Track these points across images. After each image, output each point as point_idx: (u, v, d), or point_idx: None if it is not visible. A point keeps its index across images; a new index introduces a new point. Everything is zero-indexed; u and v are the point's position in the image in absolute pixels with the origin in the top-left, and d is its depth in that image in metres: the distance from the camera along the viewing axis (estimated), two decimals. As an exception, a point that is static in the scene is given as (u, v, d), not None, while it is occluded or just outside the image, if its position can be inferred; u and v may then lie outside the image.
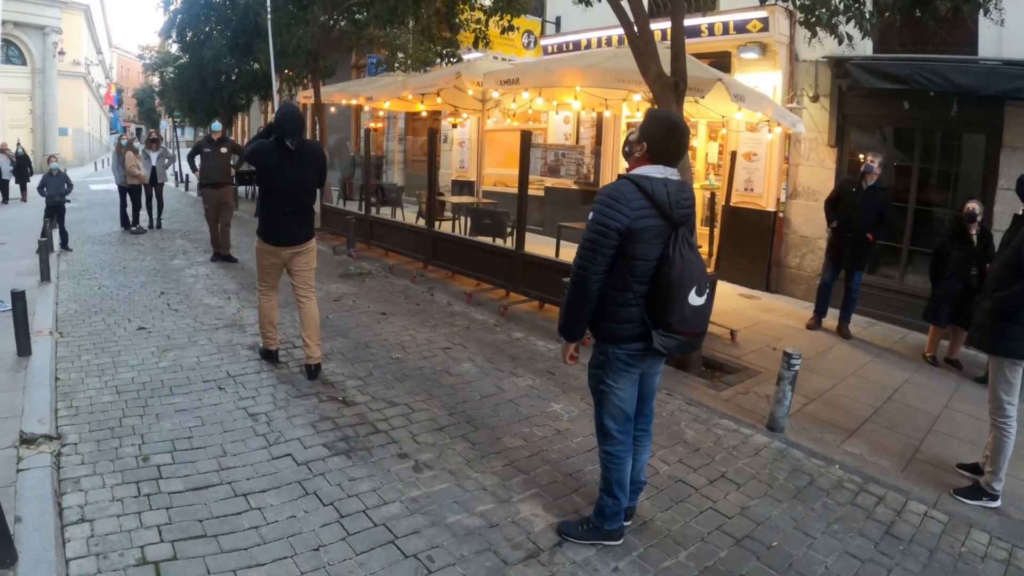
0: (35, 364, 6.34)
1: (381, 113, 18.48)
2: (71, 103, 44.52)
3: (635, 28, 6.95)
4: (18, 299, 6.51)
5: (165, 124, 35.62)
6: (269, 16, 13.50)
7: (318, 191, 6.72)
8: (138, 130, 37.14)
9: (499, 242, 9.85)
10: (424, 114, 16.74)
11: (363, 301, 8.88)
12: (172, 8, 20.22)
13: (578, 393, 5.97)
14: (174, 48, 23.80)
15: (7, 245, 12.58)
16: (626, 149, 3.75)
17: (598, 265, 3.41)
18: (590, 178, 13.92)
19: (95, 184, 27.95)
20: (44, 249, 9.75)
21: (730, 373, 7.01)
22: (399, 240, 11.37)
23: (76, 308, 8.47)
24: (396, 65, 15.98)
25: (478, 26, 12.71)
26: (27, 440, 4.80)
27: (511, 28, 12.11)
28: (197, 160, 12.08)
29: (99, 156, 52.25)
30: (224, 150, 11.51)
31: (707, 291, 3.51)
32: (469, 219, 10.93)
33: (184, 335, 7.36)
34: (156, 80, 31.99)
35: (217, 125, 11.60)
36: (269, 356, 6.57)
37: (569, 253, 9.40)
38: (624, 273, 3.45)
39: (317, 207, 11.19)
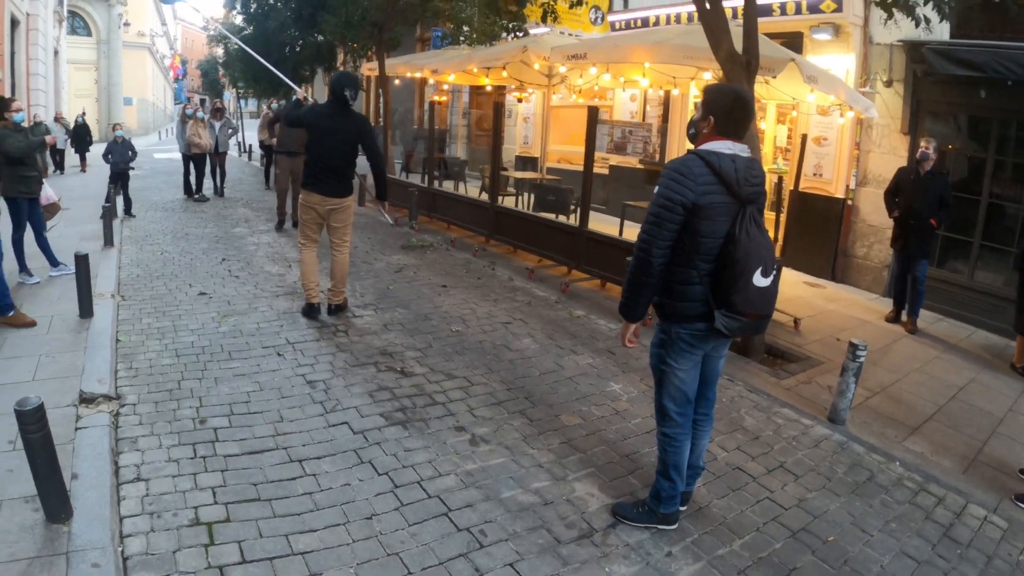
0: (97, 326, 6.51)
1: (445, 87, 18.48)
2: (135, 73, 45.32)
3: (707, 4, 6.82)
4: (81, 262, 6.69)
5: (228, 95, 36.02)
6: None
7: (378, 162, 7.00)
8: (202, 100, 37.71)
9: (562, 219, 9.80)
10: (489, 88, 16.69)
11: (424, 273, 8.92)
12: None
13: (638, 374, 5.91)
14: (238, 20, 23.96)
15: (71, 210, 12.83)
16: (691, 131, 3.63)
17: (662, 240, 3.34)
18: (656, 157, 13.72)
19: (159, 153, 28.53)
20: (108, 215, 10.00)
21: (792, 362, 6.88)
22: (461, 214, 11.38)
23: (138, 272, 8.66)
24: (461, 39, 15.92)
25: (546, 0, 12.62)
26: (86, 399, 4.93)
27: (580, 3, 11.98)
28: (275, 127, 12.16)
29: (163, 126, 53.25)
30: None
31: (773, 272, 3.42)
32: (532, 195, 10.89)
33: (244, 301, 7.50)
34: (220, 52, 32.30)
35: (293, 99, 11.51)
36: (309, 310, 6.91)
37: (633, 232, 9.30)
38: (689, 250, 3.38)
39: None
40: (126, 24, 41.55)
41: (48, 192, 8.41)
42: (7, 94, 17.76)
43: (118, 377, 5.45)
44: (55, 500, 3.45)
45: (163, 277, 8.46)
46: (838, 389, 5.43)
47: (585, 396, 5.47)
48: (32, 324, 6.47)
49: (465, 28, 15.34)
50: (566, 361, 6.15)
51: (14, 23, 19.22)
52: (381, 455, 4.36)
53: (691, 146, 3.60)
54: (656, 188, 3.40)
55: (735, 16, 7.97)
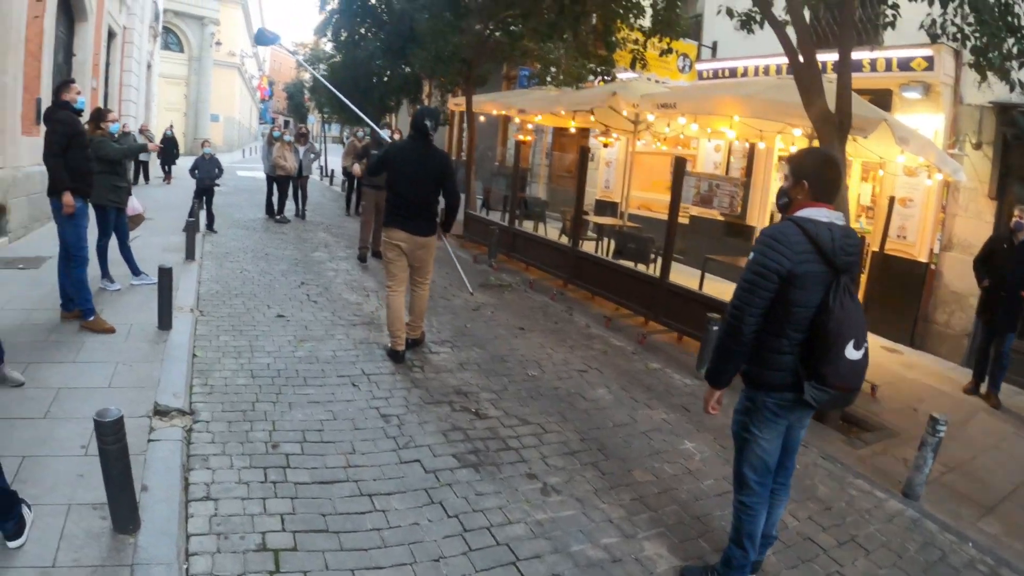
0: (174, 339, 6.66)
1: (530, 126, 18.69)
2: (224, 92, 46.67)
3: (800, 58, 6.82)
4: (165, 275, 6.87)
5: (313, 119, 36.86)
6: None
7: (460, 197, 7.27)
8: (286, 122, 38.63)
9: (641, 268, 9.80)
10: (573, 130, 16.88)
11: (502, 314, 8.99)
12: (329, 8, 20.98)
13: (711, 433, 5.84)
14: (328, 47, 24.59)
15: (154, 220, 13.15)
16: (781, 200, 3.61)
17: (755, 308, 3.33)
18: (738, 210, 13.72)
19: (242, 171, 29.47)
20: (191, 229, 10.27)
21: (868, 430, 6.74)
22: (541, 255, 11.45)
23: (217, 289, 8.91)
24: (548, 79, 16.14)
25: (636, 47, 12.72)
26: (160, 412, 5.03)
27: (669, 51, 12.08)
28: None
29: (247, 144, 54.83)
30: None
31: (865, 345, 3.37)
32: (613, 241, 10.94)
33: (321, 327, 7.65)
34: (307, 76, 33.11)
35: (386, 133, 11.60)
36: (395, 356, 6.80)
37: (713, 287, 9.44)
38: (780, 319, 3.36)
39: (461, 214, 11.42)
40: (218, 43, 42.82)
41: (134, 203, 8.67)
42: (100, 104, 18.39)
43: (193, 392, 5.59)
44: (124, 511, 3.50)
45: (242, 295, 8.69)
46: (915, 463, 5.29)
47: (658, 452, 5.43)
48: (111, 331, 6.68)
49: (552, 69, 15.56)
50: (640, 415, 6.12)
51: (111, 35, 19.68)
52: (452, 497, 4.38)
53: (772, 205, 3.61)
54: (751, 254, 3.39)
55: (824, 70, 7.96)
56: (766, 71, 13.01)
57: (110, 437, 3.33)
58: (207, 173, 13.34)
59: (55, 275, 7.08)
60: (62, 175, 6.57)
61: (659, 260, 9.58)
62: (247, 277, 9.72)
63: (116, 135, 8.21)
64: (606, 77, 14.18)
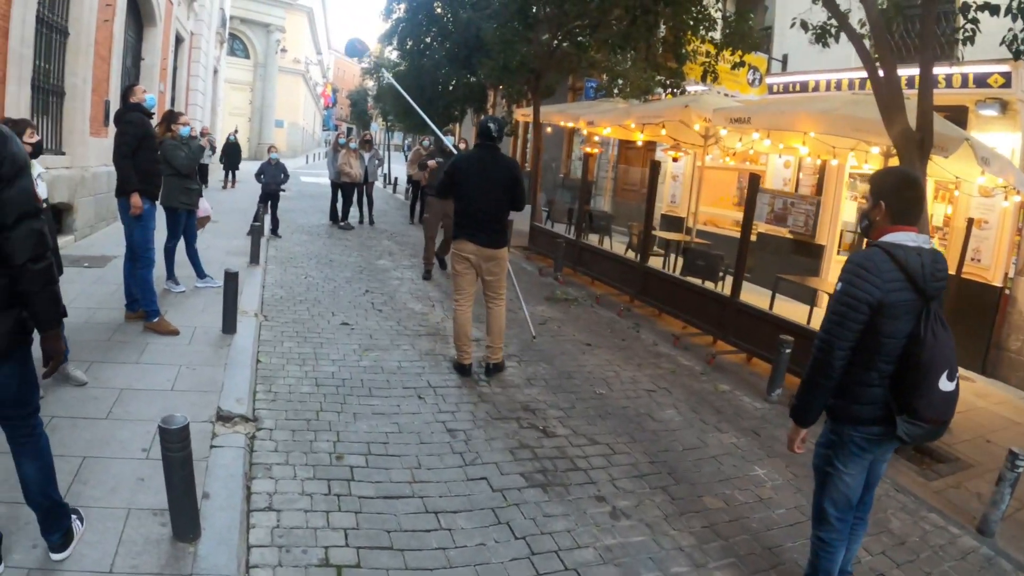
0: (239, 343, 6.73)
1: (596, 139, 18.59)
2: (288, 98, 47.83)
3: (880, 73, 6.64)
4: (231, 279, 6.94)
5: (376, 126, 37.27)
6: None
7: (526, 207, 7.13)
8: (349, 129, 39.13)
9: (709, 285, 9.66)
10: (640, 144, 16.72)
11: (568, 328, 8.93)
12: (394, 17, 21.14)
13: (783, 459, 5.67)
14: (394, 55, 24.80)
15: (219, 223, 13.30)
16: (863, 223, 3.48)
17: (844, 340, 3.20)
18: (811, 230, 13.45)
19: (306, 176, 29.99)
20: (256, 233, 10.41)
21: (941, 461, 6.46)
22: (607, 270, 11.35)
23: (282, 294, 9.02)
24: (615, 91, 16.04)
25: (707, 60, 12.56)
26: (223, 417, 5.05)
27: (741, 64, 11.91)
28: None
29: (311, 150, 55.86)
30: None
31: (957, 375, 3.23)
32: (680, 257, 10.79)
33: (387, 337, 7.70)
34: (371, 84, 33.43)
35: (450, 139, 11.55)
36: (462, 370, 6.76)
37: (783, 307, 9.26)
38: (870, 350, 3.23)
39: (526, 225, 11.35)
40: (283, 50, 43.76)
41: (204, 205, 8.79)
42: (167, 107, 18.75)
43: (256, 399, 5.63)
44: (185, 519, 3.49)
45: (306, 302, 8.79)
46: (991, 499, 5.05)
47: (728, 478, 5.30)
48: (175, 333, 6.79)
49: (619, 81, 15.47)
50: (710, 438, 6.00)
51: (178, 40, 20.20)
52: (519, 517, 4.32)
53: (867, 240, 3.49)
54: (838, 285, 3.27)
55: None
56: (838, 86, 12.74)
57: (175, 444, 3.32)
58: (272, 178, 13.56)
59: (120, 274, 7.26)
60: (131, 176, 6.72)
61: (727, 278, 9.46)
62: (311, 283, 9.84)
63: (186, 138, 8.29)
64: (675, 90, 14.06)
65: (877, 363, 3.26)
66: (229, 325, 7.02)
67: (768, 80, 14.77)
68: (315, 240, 13.69)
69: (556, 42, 15.13)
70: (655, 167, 9.97)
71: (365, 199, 16.91)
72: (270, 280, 9.81)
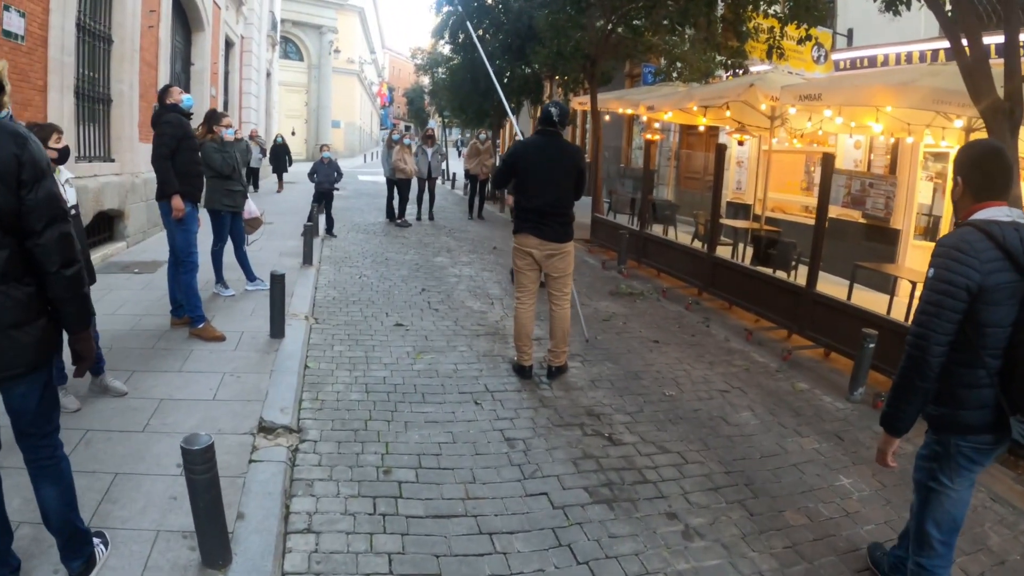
0: (286, 348, 6.53)
1: (657, 125, 18.06)
2: (344, 98, 48.64)
3: (963, 41, 6.11)
4: (277, 282, 6.73)
5: (433, 123, 37.24)
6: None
7: (584, 198, 6.64)
8: (407, 127, 39.18)
9: (780, 275, 9.14)
10: (702, 129, 16.14)
11: (634, 324, 8.51)
12: (445, 10, 20.83)
13: (869, 467, 5.18)
14: (446, 49, 24.54)
15: (274, 224, 13.36)
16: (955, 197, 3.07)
17: (942, 334, 2.80)
18: (881, 212, 12.68)
19: (363, 175, 30.12)
20: (309, 233, 10.25)
21: (1041, 463, 5.97)
22: (673, 261, 10.86)
23: (334, 295, 8.83)
24: (674, 75, 15.49)
25: (770, 36, 11.99)
26: (266, 428, 4.83)
27: (807, 38, 11.34)
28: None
29: (368, 149, 56.52)
30: None
31: None
32: (750, 246, 10.25)
33: (443, 338, 7.41)
34: (426, 80, 33.32)
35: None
36: (521, 372, 6.42)
37: (862, 297, 8.70)
38: (973, 345, 2.82)
39: (587, 218, 10.92)
40: (336, 51, 44.57)
41: (251, 207, 8.69)
42: (220, 110, 18.78)
43: (302, 408, 5.41)
44: (214, 544, 3.28)
45: (359, 303, 8.58)
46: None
47: (811, 489, 4.83)
48: (221, 339, 6.63)
49: (678, 65, 14.93)
50: (790, 443, 5.53)
51: (228, 45, 20.49)
52: (582, 539, 3.95)
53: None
54: (929, 271, 2.87)
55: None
56: (909, 58, 12.05)
57: (199, 466, 3.07)
58: (326, 177, 13.44)
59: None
60: (171, 179, 6.58)
61: (799, 267, 8.97)
62: (365, 283, 9.64)
63: (228, 140, 8.18)
64: (737, 70, 13.50)
65: (983, 358, 2.84)
66: (277, 329, 6.86)
67: (834, 56, 14.12)
68: (371, 239, 13.52)
69: (611, 26, 14.63)
70: (721, 151, 9.44)
71: (427, 195, 16.73)
72: (323, 281, 9.65)
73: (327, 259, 11.20)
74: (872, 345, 6.38)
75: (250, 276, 8.72)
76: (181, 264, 6.78)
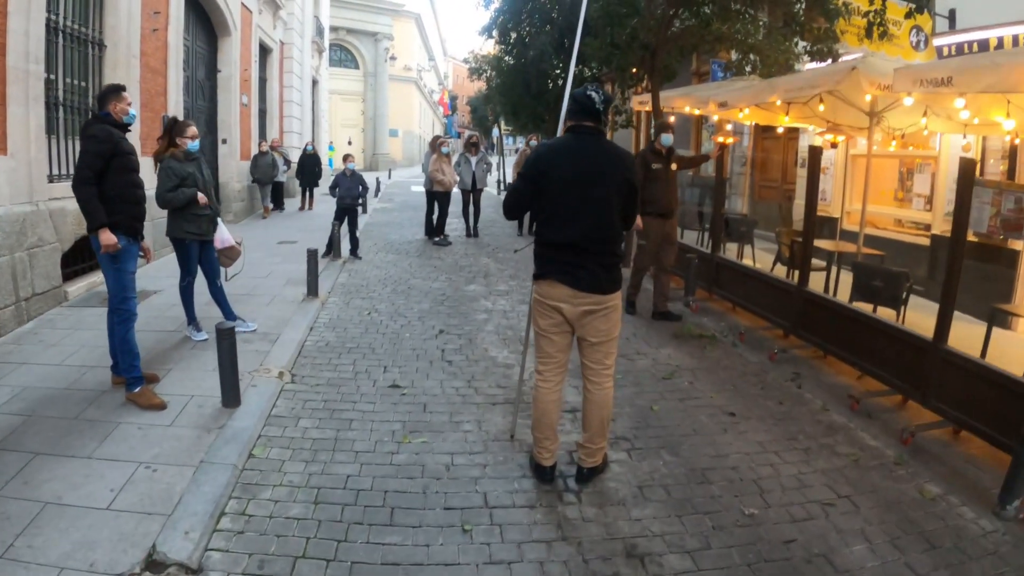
0: (234, 425, 5.06)
1: (729, 126, 15.97)
2: (401, 106, 48.64)
3: None
4: (224, 339, 5.24)
5: (496, 131, 35.76)
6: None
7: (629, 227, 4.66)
8: (470, 135, 38.08)
9: (886, 313, 7.06)
10: (780, 130, 13.99)
11: (703, 385, 6.57)
12: (493, 7, 19.13)
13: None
14: (495, 49, 22.92)
15: (297, 244, 12.08)
16: None
17: None
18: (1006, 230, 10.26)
19: (416, 185, 28.20)
20: (313, 260, 8.90)
21: None
22: (753, 294, 8.78)
23: (330, 339, 7.34)
24: (747, 69, 13.45)
25: (871, 9, 9.99)
26: (155, 566, 3.37)
27: (916, 11, 9.36)
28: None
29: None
30: (675, 167, 8.94)
31: None
32: (850, 276, 8.05)
33: (446, 408, 5.69)
34: (483, 86, 31.90)
35: (667, 138, 8.80)
36: (540, 474, 4.57)
37: (1007, 348, 6.66)
38: None
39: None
40: (392, 58, 44.61)
41: (223, 234, 7.26)
42: (255, 119, 17.67)
43: (217, 529, 3.82)
44: None
45: (357, 350, 7.02)
46: None
47: None
48: (160, 407, 5.28)
49: (752, 57, 12.95)
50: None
51: (265, 50, 19.72)
52: None
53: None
54: None
55: None
56: (1015, 41, 10.00)
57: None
58: (348, 192, 11.92)
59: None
60: (94, 208, 5.16)
61: (909, 302, 7.18)
62: (373, 322, 8.07)
63: (195, 154, 6.81)
64: (823, 60, 11.42)
65: None
66: (229, 397, 5.37)
67: (936, 42, 12.14)
68: (400, 260, 11.90)
69: (672, 13, 12.62)
70: (816, 154, 7.42)
71: (471, 208, 15.15)
72: (323, 319, 8.09)
73: (340, 288, 9.64)
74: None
75: (229, 315, 7.32)
76: (114, 312, 5.42)
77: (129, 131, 5.58)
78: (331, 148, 33.65)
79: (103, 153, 5.17)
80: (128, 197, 5.41)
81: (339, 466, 4.63)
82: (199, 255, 6.98)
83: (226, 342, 5.23)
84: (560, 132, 4.96)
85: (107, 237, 5.18)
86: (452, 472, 4.63)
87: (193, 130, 6.76)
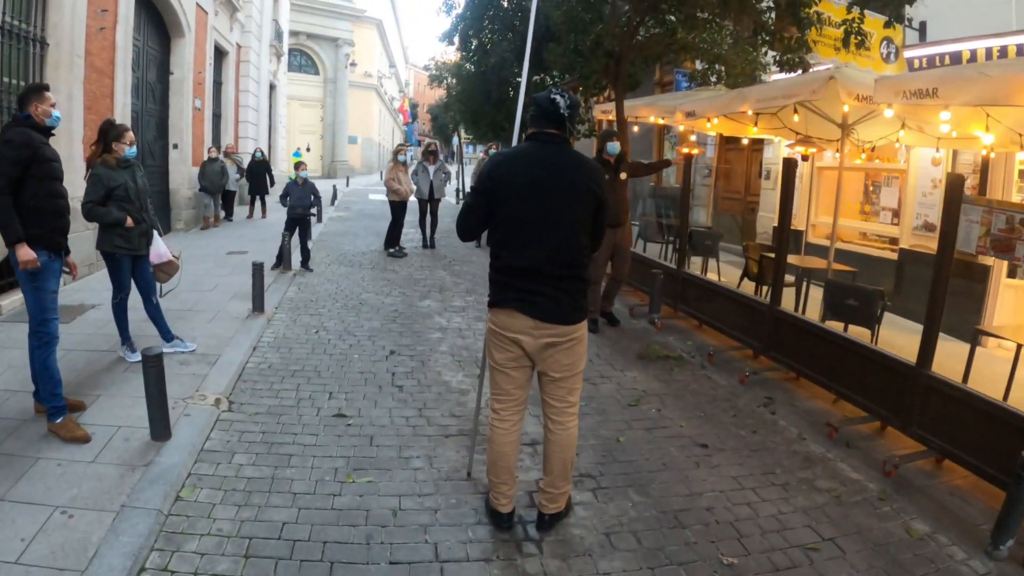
0: (163, 462, 4.53)
1: (694, 137, 15.69)
2: (361, 113, 48.11)
3: None
4: (151, 365, 4.74)
5: (456, 140, 35.39)
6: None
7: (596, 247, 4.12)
8: (435, 145, 37.78)
9: (859, 332, 6.77)
10: (745, 141, 13.76)
11: (672, 412, 6.15)
12: (455, 13, 18.79)
13: None
14: (457, 56, 22.62)
15: (248, 254, 11.60)
16: None
17: None
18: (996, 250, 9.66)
19: (375, 194, 27.59)
20: (259, 274, 8.35)
21: None
22: (721, 312, 8.36)
23: (274, 361, 6.82)
24: (712, 79, 13.18)
25: (850, 16, 9.75)
26: None
27: (900, 20, 9.14)
28: None
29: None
30: (624, 176, 8.68)
31: None
32: (821, 292, 7.71)
33: (394, 441, 5.20)
34: (443, 93, 31.51)
35: (613, 147, 8.44)
36: (497, 521, 4.09)
37: (983, 367, 6.31)
38: None
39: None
40: (352, 64, 44.33)
41: (160, 248, 6.74)
42: (209, 124, 17.06)
43: None
44: None
45: (301, 374, 6.51)
46: None
47: None
48: (84, 440, 4.78)
49: (718, 67, 12.68)
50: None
51: (221, 53, 19.12)
52: None
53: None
54: None
55: None
56: (1003, 53, 9.79)
57: None
58: (299, 201, 11.36)
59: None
60: (9, 220, 4.66)
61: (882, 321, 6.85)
62: (320, 341, 7.55)
63: (131, 160, 6.29)
64: (793, 70, 11.15)
65: None
66: (159, 429, 4.84)
67: (907, 54, 11.95)
68: (353, 273, 11.39)
69: (637, 20, 12.30)
70: (790, 167, 7.07)
71: (429, 218, 14.69)
72: (268, 337, 7.57)
73: (288, 303, 9.11)
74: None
75: (166, 335, 6.80)
76: (34, 335, 4.87)
77: (53, 135, 5.09)
78: (297, 155, 32.91)
79: (21, 160, 4.66)
80: (49, 208, 4.90)
81: (274, 511, 4.14)
82: (132, 270, 6.46)
83: (153, 370, 4.72)
84: (516, 142, 4.55)
85: (24, 253, 4.68)
86: (399, 518, 4.15)
87: (130, 135, 6.24)
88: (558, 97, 3.79)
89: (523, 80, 5.51)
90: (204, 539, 3.80)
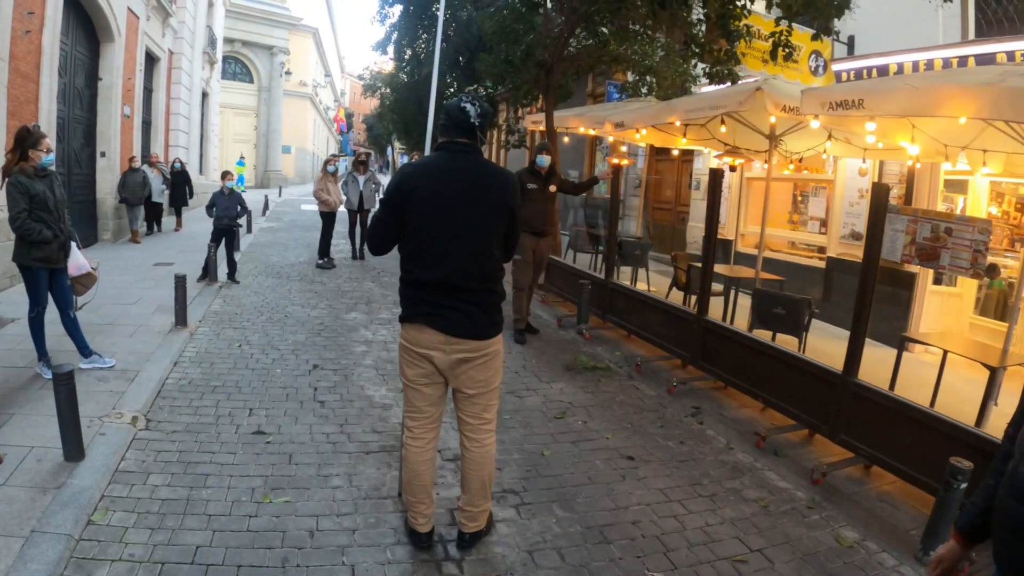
0: (75, 484, 4.25)
1: (624, 148, 15.72)
2: (295, 122, 47.22)
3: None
4: (62, 384, 4.45)
5: (390, 149, 35.07)
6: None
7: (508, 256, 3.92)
8: (367, 154, 37.53)
9: (785, 340, 6.82)
10: (675, 152, 13.82)
11: (598, 424, 6.03)
12: (389, 23, 18.62)
13: None
14: (392, 66, 22.45)
15: (174, 266, 11.20)
16: None
17: None
18: (968, 271, 9.56)
19: (307, 204, 27.08)
20: (182, 287, 8.02)
21: None
22: (649, 322, 8.29)
23: (194, 376, 6.53)
24: (643, 91, 13.22)
25: (778, 29, 9.84)
26: None
27: (828, 33, 9.25)
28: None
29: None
30: (553, 188, 8.74)
31: None
32: (750, 302, 7.71)
33: (313, 459, 4.97)
34: (378, 103, 31.27)
35: (543, 160, 8.46)
36: (416, 540, 3.89)
37: (923, 380, 6.35)
38: None
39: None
40: (287, 73, 43.48)
41: (78, 260, 6.41)
42: (138, 132, 16.49)
43: None
44: None
45: (222, 389, 6.24)
46: None
47: None
48: None
49: (649, 78, 12.74)
50: None
51: (152, 59, 18.55)
52: None
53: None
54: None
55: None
56: (930, 66, 10.01)
57: None
58: (226, 211, 10.93)
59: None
60: None
61: (810, 331, 6.76)
62: (243, 355, 7.28)
63: (48, 168, 5.97)
64: (722, 82, 11.24)
65: None
66: (72, 450, 4.55)
67: (835, 67, 12.12)
68: (280, 285, 11.08)
69: (569, 32, 12.29)
70: (716, 177, 7.04)
71: (359, 229, 14.32)
72: (190, 352, 7.25)
73: (212, 316, 8.78)
74: (964, 485, 4.04)
75: (84, 350, 6.45)
76: None
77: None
78: (241, 163, 32.18)
79: None
80: None
81: (188, 534, 3.88)
82: (49, 283, 6.12)
83: (64, 388, 4.43)
84: (428, 151, 4.39)
85: None
86: (316, 539, 3.92)
87: (47, 142, 5.91)
88: (468, 105, 3.63)
89: (433, 88, 5.36)
90: (115, 564, 3.53)
